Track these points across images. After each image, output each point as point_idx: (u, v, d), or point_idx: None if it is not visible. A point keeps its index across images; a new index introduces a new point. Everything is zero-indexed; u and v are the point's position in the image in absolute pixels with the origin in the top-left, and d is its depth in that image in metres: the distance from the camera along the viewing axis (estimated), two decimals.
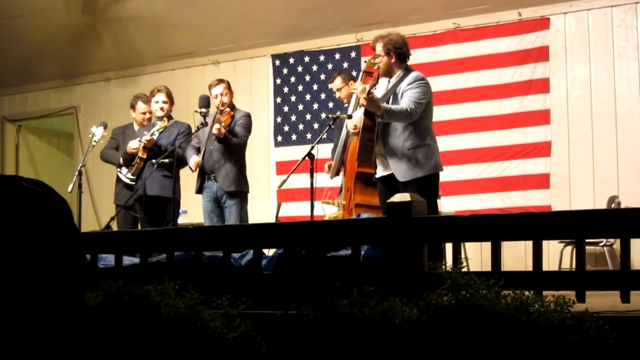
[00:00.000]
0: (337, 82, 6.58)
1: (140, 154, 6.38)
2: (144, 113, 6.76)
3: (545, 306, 2.78)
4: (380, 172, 5.39)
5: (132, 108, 6.84)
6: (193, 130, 6.44)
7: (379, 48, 5.38)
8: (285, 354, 3.09)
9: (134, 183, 6.47)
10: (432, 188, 5.21)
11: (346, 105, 6.51)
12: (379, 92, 5.45)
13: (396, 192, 4.93)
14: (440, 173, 5.39)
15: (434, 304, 2.90)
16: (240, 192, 6.30)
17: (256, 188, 6.53)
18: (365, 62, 6.31)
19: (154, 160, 6.23)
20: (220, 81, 6.40)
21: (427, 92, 5.26)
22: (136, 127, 6.81)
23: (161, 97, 6.53)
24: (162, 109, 6.51)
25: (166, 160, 6.17)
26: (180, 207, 6.62)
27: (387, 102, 5.32)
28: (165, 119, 6.50)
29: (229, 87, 6.39)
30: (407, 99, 5.19)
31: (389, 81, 5.44)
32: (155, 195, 6.34)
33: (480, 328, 2.73)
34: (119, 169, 6.68)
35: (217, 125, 6.07)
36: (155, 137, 6.38)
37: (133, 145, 6.43)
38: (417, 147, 5.21)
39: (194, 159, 6.26)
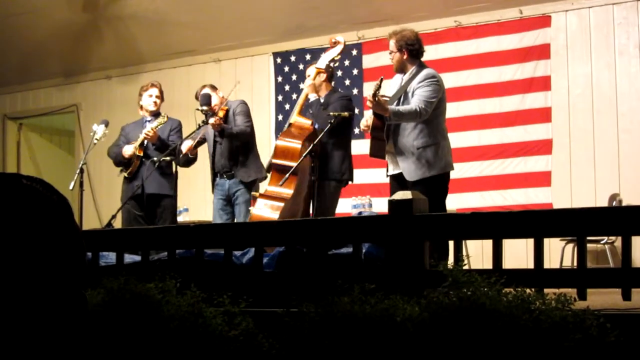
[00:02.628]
0: (311, 70, 6.39)
1: (137, 152, 6.37)
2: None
3: (546, 304, 2.78)
4: (391, 170, 5.38)
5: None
6: (193, 129, 6.43)
7: (392, 44, 5.37)
8: (287, 352, 3.09)
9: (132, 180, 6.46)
10: (441, 187, 5.17)
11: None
12: (393, 88, 5.44)
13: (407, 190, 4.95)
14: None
15: (435, 301, 2.90)
16: (255, 181, 6.28)
17: None
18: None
19: (155, 159, 6.22)
20: (204, 87, 6.42)
21: (438, 90, 5.21)
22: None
23: (155, 91, 6.60)
24: (155, 103, 6.57)
25: (167, 159, 6.16)
26: (177, 205, 6.59)
27: (399, 100, 5.30)
28: (154, 118, 6.47)
29: (213, 88, 6.40)
30: (417, 98, 5.16)
31: (402, 78, 5.42)
32: (153, 193, 6.34)
33: (481, 326, 2.73)
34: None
35: (211, 120, 6.08)
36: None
37: (128, 151, 6.41)
38: (426, 147, 5.17)
39: (187, 143, 6.22)
